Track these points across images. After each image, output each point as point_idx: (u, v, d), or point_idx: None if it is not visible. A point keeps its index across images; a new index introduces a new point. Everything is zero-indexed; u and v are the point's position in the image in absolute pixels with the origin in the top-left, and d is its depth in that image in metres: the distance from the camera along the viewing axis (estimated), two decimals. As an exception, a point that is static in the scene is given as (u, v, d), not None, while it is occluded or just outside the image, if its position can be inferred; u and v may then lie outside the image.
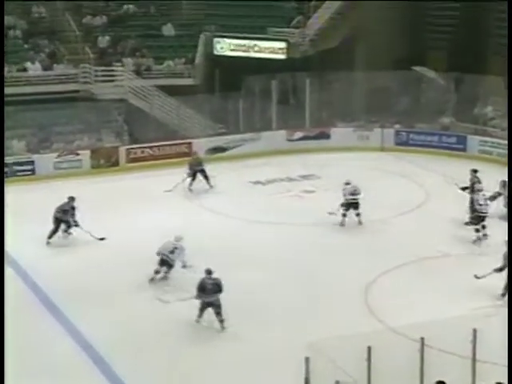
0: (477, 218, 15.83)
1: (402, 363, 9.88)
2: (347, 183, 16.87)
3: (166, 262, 13.91)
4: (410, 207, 17.85)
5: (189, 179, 19.17)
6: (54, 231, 15.75)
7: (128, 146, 21.83)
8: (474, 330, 9.43)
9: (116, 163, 21.45)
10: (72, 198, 15.86)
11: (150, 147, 21.82)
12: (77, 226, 15.67)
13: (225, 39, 24.67)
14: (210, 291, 12.21)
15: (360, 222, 16.55)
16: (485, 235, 15.66)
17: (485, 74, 21.74)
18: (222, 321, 12.25)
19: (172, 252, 13.91)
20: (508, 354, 7.62)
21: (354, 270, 14.34)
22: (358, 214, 16.65)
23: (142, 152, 21.76)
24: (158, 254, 13.96)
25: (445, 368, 9.65)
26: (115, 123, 23.02)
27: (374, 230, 16.49)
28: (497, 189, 17.03)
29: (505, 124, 22.21)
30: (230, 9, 25.90)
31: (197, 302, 12.35)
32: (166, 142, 21.99)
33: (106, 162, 21.33)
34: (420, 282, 13.74)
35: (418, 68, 23.77)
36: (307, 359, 8.86)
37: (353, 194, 16.67)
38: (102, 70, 23.80)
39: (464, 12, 24.42)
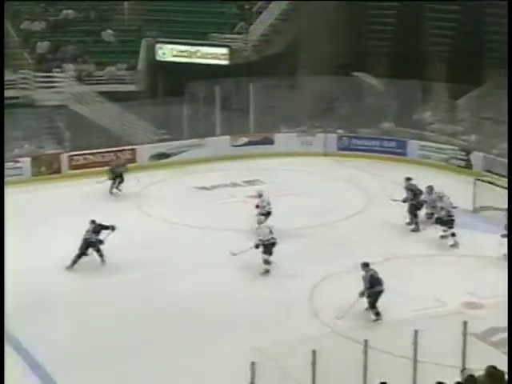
0: (450, 221, 16.10)
1: (347, 365, 10.01)
2: (260, 195, 16.79)
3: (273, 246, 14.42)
4: (352, 211, 18.08)
5: (109, 182, 19.25)
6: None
7: (70, 153, 21.54)
8: (416, 332, 9.62)
9: (58, 170, 21.13)
10: (93, 222, 15.11)
11: (93, 154, 21.58)
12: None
13: (167, 45, 24.59)
14: None
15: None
16: (453, 234, 15.99)
17: (423, 79, 22.22)
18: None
19: (271, 232, 14.55)
20: (508, 355, 7.76)
21: (298, 275, 14.44)
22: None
23: (85, 159, 21.50)
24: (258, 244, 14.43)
25: (388, 369, 9.81)
26: (56, 130, 22.68)
27: (317, 234, 16.64)
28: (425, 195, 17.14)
29: (443, 128, 22.77)
30: (172, 15, 25.86)
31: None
32: (108, 148, 21.79)
33: (47, 169, 21.00)
34: (362, 286, 13.90)
35: (358, 74, 24.14)
36: (253, 364, 8.89)
37: (269, 204, 16.47)
38: (42, 76, 23.44)
39: (403, 18, 24.92)
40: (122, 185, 19.42)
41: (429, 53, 23.58)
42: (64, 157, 21.35)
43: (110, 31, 25.56)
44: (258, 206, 16.74)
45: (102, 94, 23.16)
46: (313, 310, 13.16)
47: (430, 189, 17.09)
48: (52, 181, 20.41)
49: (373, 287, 12.70)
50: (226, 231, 16.66)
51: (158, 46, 24.62)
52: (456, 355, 9.96)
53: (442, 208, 16.34)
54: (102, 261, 14.88)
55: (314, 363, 9.09)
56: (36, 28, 25.23)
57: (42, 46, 24.64)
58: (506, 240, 15.04)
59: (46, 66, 23.93)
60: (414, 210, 17.01)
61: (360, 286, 12.82)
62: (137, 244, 15.61)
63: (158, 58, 24.60)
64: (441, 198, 16.60)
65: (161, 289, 13.91)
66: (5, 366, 9.14)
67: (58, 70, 23.91)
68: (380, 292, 12.74)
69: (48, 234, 16.37)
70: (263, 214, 16.41)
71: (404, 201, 17.09)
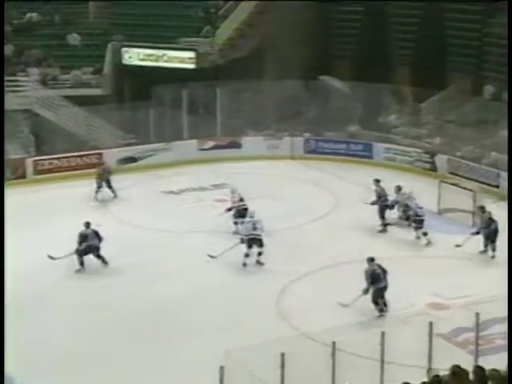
0: (420, 221, 16.36)
1: (316, 368, 10.08)
2: (233, 192, 17.09)
3: (255, 241, 14.55)
4: (320, 214, 18.21)
5: (95, 188, 19.14)
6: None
7: (35, 158, 21.33)
8: (383, 333, 9.73)
9: (23, 175, 20.91)
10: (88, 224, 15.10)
11: (58, 158, 21.40)
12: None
13: (133, 49, 24.49)
14: None
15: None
16: (425, 234, 16.29)
17: (388, 83, 22.47)
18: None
19: (255, 228, 14.55)
20: (508, 354, 7.87)
21: (265, 278, 14.52)
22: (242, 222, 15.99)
23: (50, 163, 21.30)
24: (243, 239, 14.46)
25: (356, 371, 9.93)
26: (21, 134, 22.43)
27: (284, 237, 16.72)
28: (393, 196, 17.40)
29: (408, 131, 23.05)
30: (138, 18, 25.75)
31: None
32: (74, 153, 21.63)
33: (12, 174, 20.76)
34: (332, 288, 14.02)
35: (324, 77, 24.32)
36: (222, 368, 8.92)
37: (241, 200, 16.81)
38: (6, 80, 23.16)
39: (367, 22, 25.18)
40: (111, 189, 19.28)
41: (393, 56, 23.86)
42: (29, 162, 21.14)
43: (75, 35, 25.36)
44: (230, 209, 16.81)
45: (68, 98, 22.97)
46: (281, 313, 13.23)
47: (398, 188, 17.34)
48: (17, 186, 20.18)
49: (374, 283, 12.79)
50: (196, 234, 16.66)
51: (124, 49, 24.51)
52: (422, 356, 10.09)
53: (410, 208, 16.62)
54: (106, 263, 14.95)
55: (282, 366, 9.14)
56: (-1, 31, 24.92)
57: (6, 50, 24.36)
58: (471, 237, 15.35)
59: (10, 70, 23.60)
60: (382, 212, 17.22)
61: (326, 287, 12.94)
62: (105, 248, 15.48)
63: (124, 62, 24.49)
64: (409, 198, 16.87)
65: (129, 294, 13.87)
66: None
67: (22, 73, 23.67)
68: (383, 288, 12.83)
69: (15, 240, 16.14)
70: (240, 213, 16.50)
71: (373, 203, 17.28)
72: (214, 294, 13.95)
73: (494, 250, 15.29)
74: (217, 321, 12.89)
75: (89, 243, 14.85)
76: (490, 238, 15.34)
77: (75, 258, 14.87)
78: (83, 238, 14.90)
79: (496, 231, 15.30)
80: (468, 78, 22.09)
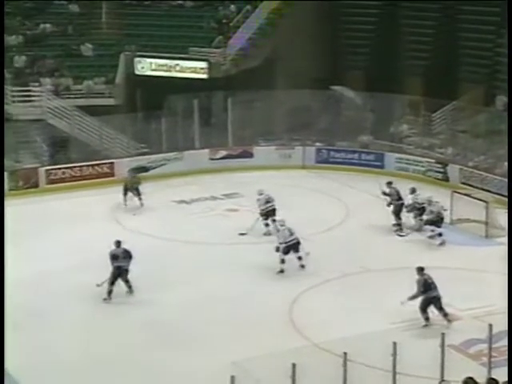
0: (440, 220, 16.70)
1: (327, 378, 10.03)
2: (260, 193, 17.36)
3: (294, 246, 14.96)
4: (332, 224, 18.17)
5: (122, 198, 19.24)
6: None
7: (48, 167, 21.43)
8: (395, 344, 9.67)
9: (35, 185, 21.00)
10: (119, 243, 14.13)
11: (71, 168, 21.49)
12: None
13: (146, 59, 24.61)
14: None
15: (278, 230, 16.12)
16: (440, 234, 16.65)
17: (400, 93, 22.45)
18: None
19: (292, 234, 15.00)
20: (508, 354, 7.82)
21: (277, 288, 14.48)
22: (274, 220, 16.98)
23: (63, 173, 21.39)
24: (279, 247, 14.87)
25: (367, 382, 9.87)
26: (34, 144, 22.56)
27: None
28: (409, 200, 17.63)
29: (420, 141, 22.99)
30: (151, 29, 25.90)
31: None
32: (87, 162, 21.71)
33: (24, 183, 20.87)
34: (343, 298, 13.97)
35: (336, 87, 24.33)
36: (232, 378, 8.89)
37: (268, 202, 17.23)
38: (19, 90, 23.35)
39: (380, 33, 25.20)
40: (139, 197, 19.31)
41: (405, 66, 23.86)
42: (42, 171, 21.24)
43: (88, 45, 25.52)
44: (262, 214, 17.21)
45: (80, 108, 23.08)
46: (292, 323, 13.17)
47: (413, 190, 17.62)
48: (30, 195, 20.29)
49: (426, 292, 12.78)
50: (207, 243, 16.66)
51: (137, 59, 24.63)
52: (434, 367, 10.02)
53: (431, 211, 16.84)
54: (131, 291, 14.03)
55: (293, 376, 9.10)
56: (13, 42, 25.12)
57: (19, 60, 24.53)
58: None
59: (23, 80, 23.82)
60: (398, 212, 17.53)
61: (337, 298, 12.87)
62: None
63: (136, 72, 24.60)
64: (430, 202, 17.09)
65: (136, 302, 13.87)
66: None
67: (35, 84, 23.81)
68: (434, 298, 12.82)
69: (27, 248, 16.23)
70: (264, 215, 17.01)
71: (389, 204, 17.62)
72: (224, 303, 13.91)
73: None
74: (226, 330, 12.85)
75: (119, 264, 13.85)
76: None
77: (106, 283, 13.89)
78: (114, 258, 13.90)
79: None
80: (480, 88, 22.02)
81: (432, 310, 12.85)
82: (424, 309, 12.81)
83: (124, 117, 22.94)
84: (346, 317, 13.09)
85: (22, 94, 23.36)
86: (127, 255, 13.96)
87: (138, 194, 19.40)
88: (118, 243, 14.09)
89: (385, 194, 17.80)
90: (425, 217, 17.07)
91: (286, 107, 23.44)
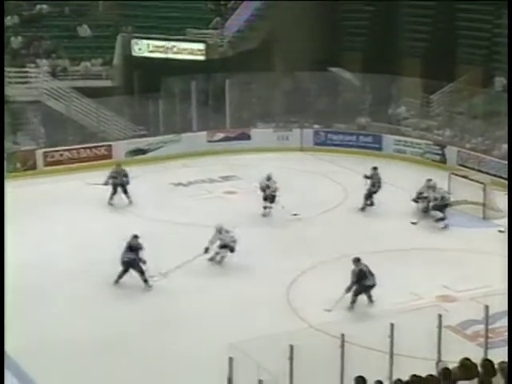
0: (445, 205, 16.75)
1: (324, 360, 10.09)
2: (268, 178, 17.44)
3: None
4: (330, 206, 18.20)
5: (109, 191, 18.20)
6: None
7: (45, 149, 21.39)
8: (392, 325, 9.73)
9: (33, 167, 20.99)
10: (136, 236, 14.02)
11: (68, 150, 21.45)
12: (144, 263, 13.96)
13: (143, 40, 24.46)
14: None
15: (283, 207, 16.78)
16: (443, 218, 16.80)
17: (398, 75, 22.38)
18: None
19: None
20: (508, 353, 7.87)
21: (276, 269, 14.52)
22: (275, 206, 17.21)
23: (61, 155, 21.37)
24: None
25: (365, 363, 9.92)
26: (31, 126, 22.49)
27: (295, 228, 16.72)
28: (420, 189, 17.53)
29: (418, 123, 22.97)
30: (148, 10, 25.73)
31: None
32: (84, 144, 21.67)
33: (22, 165, 20.85)
34: (340, 280, 14.00)
35: (334, 69, 24.25)
36: (231, 359, 8.94)
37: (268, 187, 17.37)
38: (15, 72, 23.22)
39: (378, 14, 25.07)
40: (127, 195, 18.25)
41: (403, 48, 23.77)
42: (39, 153, 21.21)
43: (85, 26, 25.36)
44: (265, 190, 17.38)
45: (77, 89, 22.98)
46: (290, 305, 13.23)
47: (429, 181, 17.52)
48: (27, 177, 20.26)
49: (359, 281, 12.87)
50: (204, 226, 16.67)
51: (134, 41, 24.48)
52: (431, 348, 10.10)
53: (435, 198, 16.89)
54: (148, 285, 13.92)
55: (291, 358, 9.16)
56: (9, 23, 24.95)
57: (16, 41, 24.38)
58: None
59: (19, 62, 23.68)
60: (370, 195, 17.78)
61: (334, 280, 12.93)
62: (116, 241, 15.48)
63: (133, 54, 24.46)
64: (433, 188, 17.14)
65: (135, 286, 13.92)
66: None
67: (31, 65, 23.67)
68: (369, 286, 12.94)
69: (25, 230, 16.23)
70: (267, 198, 17.26)
71: (374, 184, 17.76)
72: (221, 286, 13.97)
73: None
74: (224, 312, 12.91)
75: (134, 256, 13.88)
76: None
77: (120, 268, 13.91)
78: (129, 249, 13.92)
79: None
80: (478, 70, 21.98)
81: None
82: (357, 294, 12.96)
83: (121, 98, 22.87)
84: (344, 298, 13.12)
85: (18, 75, 23.22)
86: (140, 249, 13.94)
87: (125, 191, 18.22)
88: (136, 237, 14.02)
89: (366, 177, 17.74)
90: (431, 203, 17.07)
91: (284, 89, 23.39)
